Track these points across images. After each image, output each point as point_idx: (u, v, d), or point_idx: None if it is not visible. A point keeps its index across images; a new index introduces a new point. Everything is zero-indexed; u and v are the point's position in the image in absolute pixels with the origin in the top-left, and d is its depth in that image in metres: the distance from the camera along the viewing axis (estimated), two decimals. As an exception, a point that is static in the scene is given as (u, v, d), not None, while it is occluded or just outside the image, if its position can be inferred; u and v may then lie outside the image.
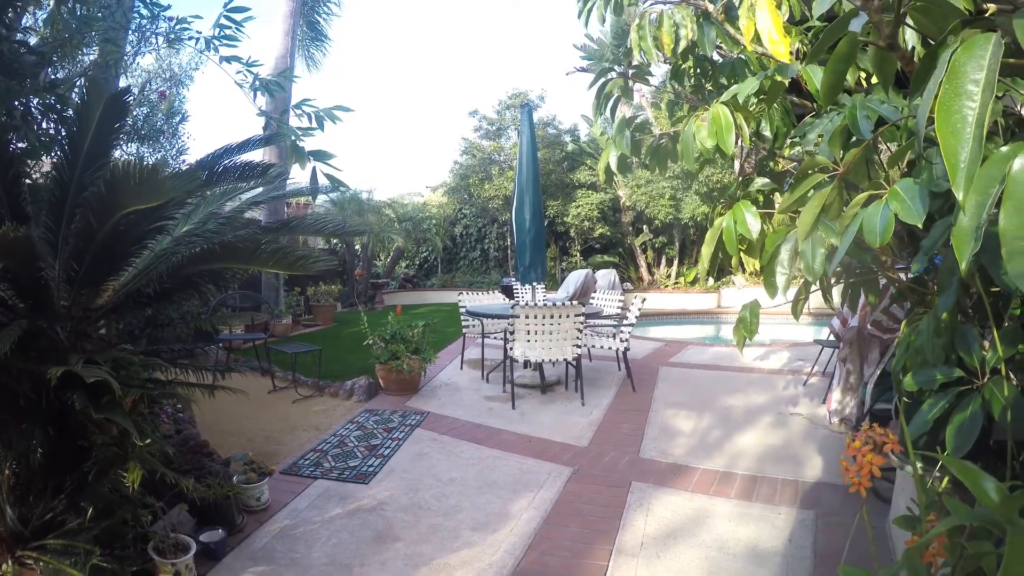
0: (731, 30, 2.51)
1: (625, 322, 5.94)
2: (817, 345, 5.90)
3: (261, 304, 8.49)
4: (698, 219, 12.34)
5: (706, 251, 2.02)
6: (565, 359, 5.28)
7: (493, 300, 7.03)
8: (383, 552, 2.79)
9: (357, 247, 13.32)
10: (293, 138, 3.23)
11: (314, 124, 3.29)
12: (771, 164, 2.87)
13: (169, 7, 3.53)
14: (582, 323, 5.24)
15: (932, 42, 1.31)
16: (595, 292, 7.84)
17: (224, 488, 2.79)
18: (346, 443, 4.20)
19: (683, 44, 2.47)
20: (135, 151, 6.26)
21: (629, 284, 13.15)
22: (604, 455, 3.98)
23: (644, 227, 13.70)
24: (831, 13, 1.84)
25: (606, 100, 3.08)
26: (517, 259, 6.50)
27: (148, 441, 2.09)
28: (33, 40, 3.36)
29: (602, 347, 5.87)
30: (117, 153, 5.23)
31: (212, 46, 3.35)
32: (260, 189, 3.15)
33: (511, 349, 5.27)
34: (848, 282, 2.17)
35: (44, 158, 2.99)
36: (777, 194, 2.60)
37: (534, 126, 7.19)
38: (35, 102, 2.99)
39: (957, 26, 1.10)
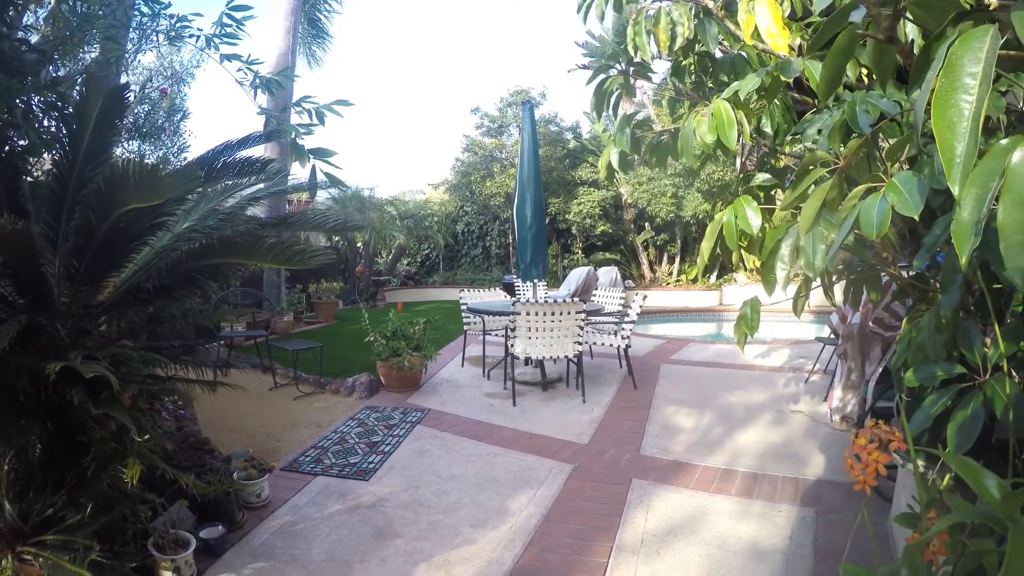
0: (731, 26, 2.50)
1: (626, 319, 5.94)
2: (819, 343, 5.89)
3: (263, 301, 8.50)
4: (700, 217, 12.31)
5: (706, 245, 2.02)
6: (566, 356, 5.27)
7: (495, 297, 7.03)
8: (383, 548, 2.79)
9: (359, 244, 13.33)
10: (293, 135, 3.23)
11: (314, 120, 3.28)
12: (772, 161, 2.86)
13: (170, 5, 3.52)
14: (583, 320, 5.24)
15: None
16: (597, 289, 7.84)
17: (224, 484, 2.80)
18: (347, 440, 4.20)
19: (680, 41, 2.47)
20: (137, 148, 6.28)
21: (631, 281, 13.14)
22: (605, 452, 3.98)
23: (646, 225, 13.69)
24: (832, 9, 1.83)
25: (606, 97, 3.07)
26: (518, 256, 6.48)
27: (147, 437, 2.09)
28: (34, 38, 3.36)
29: (603, 344, 5.86)
30: (119, 151, 5.26)
31: (213, 44, 3.34)
32: (261, 185, 3.15)
33: (512, 346, 5.27)
34: (850, 279, 2.16)
35: (45, 156, 2.99)
36: (778, 191, 2.60)
37: (536, 123, 7.17)
38: (36, 100, 2.98)
39: (955, 19, 1.09)
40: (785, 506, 3.14)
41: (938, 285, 1.70)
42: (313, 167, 3.19)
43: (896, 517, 1.34)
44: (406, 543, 2.84)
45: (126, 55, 4.17)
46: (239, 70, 3.39)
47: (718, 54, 2.78)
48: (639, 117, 2.90)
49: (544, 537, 2.88)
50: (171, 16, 3.54)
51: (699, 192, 12.14)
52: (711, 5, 2.53)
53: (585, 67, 3.38)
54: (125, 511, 2.30)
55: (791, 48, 2.29)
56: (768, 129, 2.53)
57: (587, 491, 3.39)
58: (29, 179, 2.73)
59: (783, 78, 1.99)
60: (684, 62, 2.81)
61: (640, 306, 5.84)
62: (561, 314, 5.12)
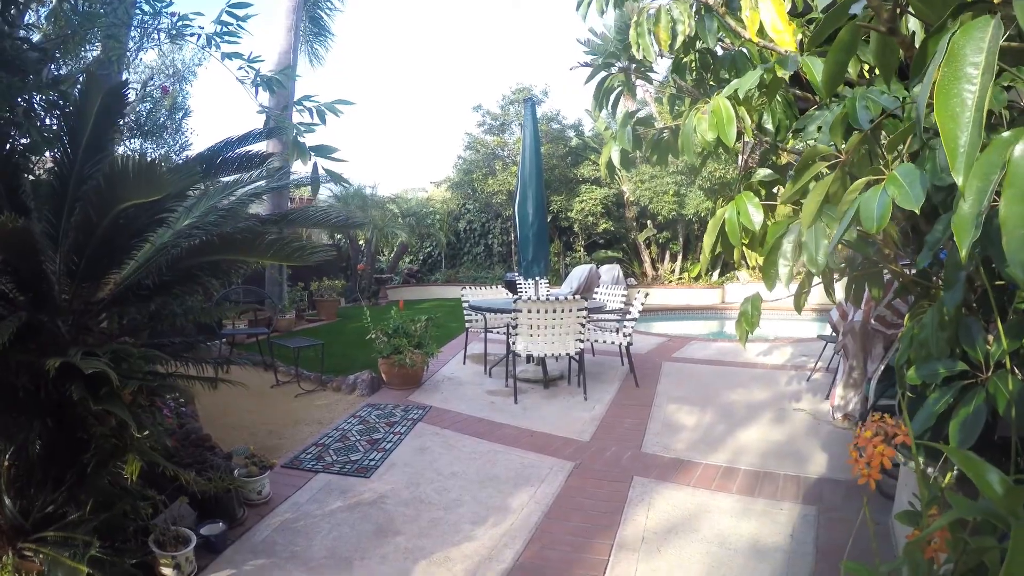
0: (732, 22, 2.48)
1: (628, 317, 5.93)
2: (820, 341, 5.88)
3: (264, 299, 8.52)
4: (702, 214, 12.28)
5: (708, 241, 2.01)
6: (568, 354, 5.27)
7: (497, 295, 7.02)
8: (384, 545, 2.79)
9: (361, 242, 13.33)
10: (295, 133, 3.23)
11: (315, 119, 3.28)
12: (774, 158, 2.85)
13: (171, 3, 3.52)
14: (585, 318, 5.23)
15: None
16: (599, 287, 7.83)
17: (225, 481, 2.80)
18: (348, 437, 4.21)
19: (680, 40, 2.46)
20: (138, 146, 6.28)
21: (633, 279, 13.13)
22: (606, 450, 3.97)
23: (648, 222, 13.67)
24: (834, 4, 1.82)
25: (607, 95, 3.06)
26: (520, 254, 6.47)
27: (147, 433, 2.09)
28: (36, 37, 3.36)
29: (605, 342, 5.85)
30: (120, 149, 5.26)
31: (214, 43, 3.34)
32: (262, 182, 3.15)
33: (514, 343, 5.27)
34: (852, 276, 2.15)
35: (47, 154, 3.00)
36: (780, 188, 2.58)
37: (537, 121, 7.16)
38: (38, 98, 2.98)
39: (956, 9, 1.08)
40: (787, 504, 3.13)
41: (941, 282, 1.69)
42: (315, 164, 3.19)
43: (897, 515, 1.33)
44: (407, 540, 2.84)
45: (128, 53, 4.17)
46: (240, 68, 3.39)
47: (719, 51, 2.76)
48: (641, 114, 2.89)
49: (545, 534, 2.88)
50: (172, 14, 3.54)
51: (701, 190, 12.11)
52: (711, 1, 2.52)
53: (587, 65, 3.37)
54: (125, 508, 2.30)
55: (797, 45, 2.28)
56: (770, 126, 2.52)
57: (588, 488, 3.39)
58: (31, 177, 2.74)
59: (781, 72, 1.98)
60: (685, 59, 2.80)
61: (642, 304, 5.83)
62: (563, 312, 5.11)
